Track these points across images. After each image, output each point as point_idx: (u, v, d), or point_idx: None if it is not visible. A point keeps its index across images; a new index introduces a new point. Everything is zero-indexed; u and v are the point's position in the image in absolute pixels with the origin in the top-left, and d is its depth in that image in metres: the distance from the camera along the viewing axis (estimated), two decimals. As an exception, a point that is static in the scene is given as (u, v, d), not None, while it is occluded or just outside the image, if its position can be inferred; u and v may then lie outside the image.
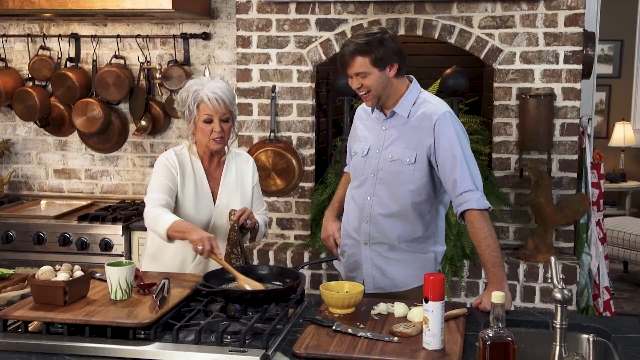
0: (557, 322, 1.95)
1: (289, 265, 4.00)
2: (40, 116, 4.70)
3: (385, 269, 2.85)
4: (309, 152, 4.13)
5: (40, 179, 4.93)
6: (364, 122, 2.91)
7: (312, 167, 4.15)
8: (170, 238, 2.73)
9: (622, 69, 8.55)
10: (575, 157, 3.89)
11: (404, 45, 4.62)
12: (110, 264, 2.39)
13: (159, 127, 4.65)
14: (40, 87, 4.74)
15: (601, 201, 4.13)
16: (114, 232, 4.05)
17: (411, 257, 2.84)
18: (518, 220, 3.97)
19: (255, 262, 4.03)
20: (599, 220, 4.12)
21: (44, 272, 2.33)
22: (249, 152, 4.13)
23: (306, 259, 3.98)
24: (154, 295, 2.35)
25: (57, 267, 2.39)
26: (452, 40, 3.90)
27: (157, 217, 2.74)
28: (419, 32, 3.92)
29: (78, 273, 2.38)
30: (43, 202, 4.67)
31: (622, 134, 8.25)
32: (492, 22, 3.86)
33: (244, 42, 4.11)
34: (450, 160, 2.68)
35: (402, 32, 3.94)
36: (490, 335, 1.89)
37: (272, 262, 4.00)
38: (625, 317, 2.98)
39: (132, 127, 4.71)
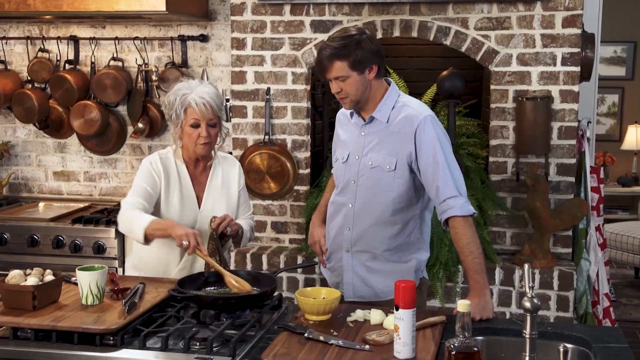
0: (527, 331, 1.89)
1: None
2: (39, 118, 4.70)
3: (366, 278, 2.80)
4: (304, 155, 4.09)
5: (40, 181, 4.93)
6: (344, 127, 2.86)
7: (307, 171, 4.11)
8: (147, 239, 2.68)
9: (636, 71, 8.43)
10: (573, 161, 3.81)
11: (405, 47, 4.67)
12: (81, 268, 2.36)
13: (157, 130, 4.63)
14: (39, 90, 4.74)
15: (601, 206, 4.05)
16: (107, 235, 4.03)
17: (392, 267, 2.78)
18: (515, 225, 3.90)
19: (249, 265, 3.99)
20: (599, 225, 4.03)
21: (13, 276, 2.31)
22: (243, 154, 4.10)
23: (300, 263, 3.93)
24: (124, 301, 2.32)
25: (28, 271, 2.36)
26: (447, 42, 3.84)
27: (133, 218, 2.70)
28: (414, 34, 3.86)
29: (49, 277, 2.35)
30: (41, 205, 4.67)
31: (635, 137, 8.12)
32: (488, 24, 3.79)
33: (239, 44, 4.08)
34: (432, 167, 2.61)
35: (397, 33, 3.89)
36: (456, 345, 1.84)
37: (265, 266, 3.96)
38: (609, 327, 2.91)
39: (131, 130, 4.69)
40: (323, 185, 4.05)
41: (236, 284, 2.50)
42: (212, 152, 2.95)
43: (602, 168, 4.05)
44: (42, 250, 4.09)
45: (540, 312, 3.70)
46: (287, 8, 3.98)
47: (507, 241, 3.93)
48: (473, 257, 2.57)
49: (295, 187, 4.11)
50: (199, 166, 2.95)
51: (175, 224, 2.67)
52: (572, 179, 3.83)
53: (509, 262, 3.81)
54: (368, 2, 3.86)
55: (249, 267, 3.98)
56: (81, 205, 4.60)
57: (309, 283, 3.93)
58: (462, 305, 1.83)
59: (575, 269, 3.72)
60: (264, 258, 3.98)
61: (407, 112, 2.67)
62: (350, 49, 2.57)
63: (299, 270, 3.94)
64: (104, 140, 4.73)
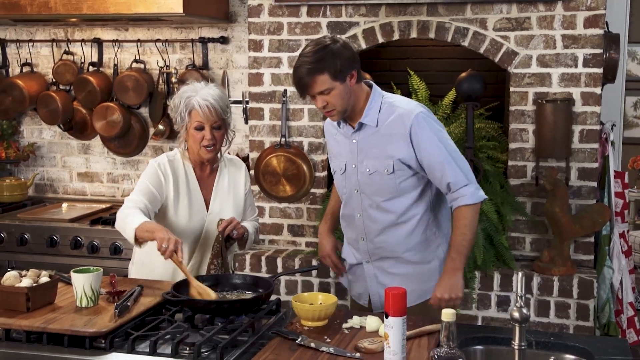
0: (516, 342, 1.82)
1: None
2: (63, 120, 4.75)
3: (390, 285, 2.73)
4: (320, 157, 4.05)
5: (65, 182, 4.98)
6: (334, 137, 2.82)
7: (324, 173, 4.06)
8: (138, 240, 2.65)
9: (677, 73, 8.17)
10: (595, 165, 3.69)
11: (425, 49, 4.60)
12: (76, 270, 2.36)
13: (177, 131, 4.63)
14: (64, 92, 4.79)
15: (626, 212, 3.92)
16: (123, 236, 4.04)
17: (414, 269, 2.73)
18: (535, 231, 3.80)
19: (264, 269, 3.96)
20: (623, 231, 3.90)
21: (8, 277, 2.32)
22: (259, 157, 4.08)
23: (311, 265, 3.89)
24: (116, 304, 2.30)
25: (24, 272, 2.37)
26: (465, 43, 3.76)
27: (127, 216, 2.67)
28: (432, 35, 3.80)
29: (44, 279, 2.35)
30: (64, 205, 4.71)
31: (675, 141, 7.87)
32: (507, 24, 3.70)
33: (256, 45, 4.06)
34: (437, 166, 2.59)
35: (414, 35, 3.82)
36: (441, 354, 1.79)
37: (280, 269, 3.92)
38: (615, 338, 2.81)
39: (152, 132, 4.72)
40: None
41: (198, 296, 2.43)
42: (219, 154, 2.93)
43: (626, 173, 3.91)
44: (61, 251, 4.13)
45: (559, 321, 3.61)
46: (303, 9, 3.95)
47: (526, 247, 3.83)
48: (463, 238, 2.59)
49: (312, 190, 4.08)
50: (206, 169, 2.94)
51: (161, 227, 2.61)
52: (594, 184, 3.72)
53: (528, 268, 3.72)
54: (385, 3, 3.80)
55: (264, 270, 3.96)
56: (103, 206, 4.63)
57: (324, 287, 3.89)
58: (446, 314, 1.78)
59: (596, 277, 3.60)
60: (279, 261, 3.95)
61: (397, 112, 2.62)
62: (327, 61, 2.51)
63: (314, 274, 3.90)
64: (126, 142, 4.76)
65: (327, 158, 4.01)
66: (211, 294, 2.44)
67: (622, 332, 3.83)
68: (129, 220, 2.65)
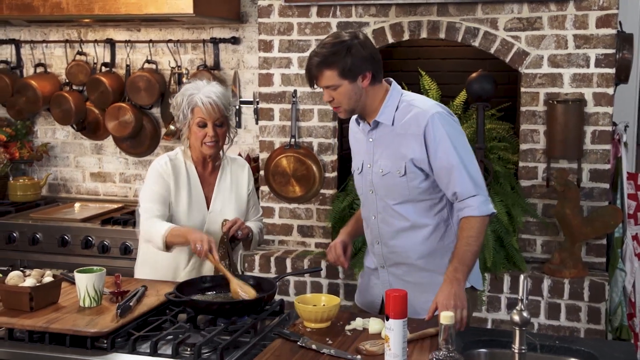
0: (516, 346, 1.80)
1: (307, 274, 3.93)
2: (76, 120, 4.78)
3: None
4: (330, 158, 4.03)
5: (78, 182, 5.01)
6: (356, 136, 2.75)
7: (334, 174, 4.05)
8: (168, 246, 2.70)
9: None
10: (608, 166, 3.65)
11: (437, 49, 4.57)
12: (79, 270, 2.37)
13: (189, 132, 4.64)
14: (77, 92, 4.82)
15: (639, 214, 3.87)
16: (134, 236, 4.03)
17: (429, 278, 2.60)
18: (546, 233, 3.76)
19: (273, 269, 3.96)
20: (636, 234, 3.86)
21: (12, 277, 2.33)
22: (269, 157, 4.08)
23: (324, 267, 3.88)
24: (118, 304, 2.31)
25: (28, 272, 2.38)
26: (476, 43, 3.74)
27: (152, 226, 2.73)
28: (442, 35, 3.77)
29: (48, 279, 2.36)
30: (77, 205, 4.73)
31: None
32: (518, 24, 3.67)
33: (266, 46, 4.05)
34: (447, 170, 2.48)
35: (424, 35, 3.80)
36: (440, 358, 1.77)
37: (288, 270, 3.92)
38: (621, 342, 2.77)
39: (164, 132, 4.73)
40: (349, 189, 3.98)
41: (240, 291, 2.46)
42: (220, 152, 2.94)
43: (639, 175, 3.86)
44: (72, 251, 4.15)
45: (570, 324, 3.57)
46: (313, 10, 3.94)
47: (537, 249, 3.79)
48: (468, 249, 2.44)
49: (322, 191, 4.06)
50: (208, 167, 2.95)
51: (192, 229, 2.70)
52: (606, 186, 3.67)
53: (538, 271, 3.68)
54: (395, 3, 3.78)
55: (273, 270, 3.95)
56: (115, 206, 4.65)
57: (333, 288, 3.88)
58: (444, 317, 1.76)
59: (607, 280, 3.56)
60: (288, 262, 3.94)
61: (413, 112, 2.52)
62: (339, 57, 2.43)
63: (322, 274, 3.89)
64: (138, 142, 4.78)
65: (337, 159, 4.04)
66: (251, 291, 2.47)
67: (635, 336, 3.78)
68: (155, 229, 2.72)
